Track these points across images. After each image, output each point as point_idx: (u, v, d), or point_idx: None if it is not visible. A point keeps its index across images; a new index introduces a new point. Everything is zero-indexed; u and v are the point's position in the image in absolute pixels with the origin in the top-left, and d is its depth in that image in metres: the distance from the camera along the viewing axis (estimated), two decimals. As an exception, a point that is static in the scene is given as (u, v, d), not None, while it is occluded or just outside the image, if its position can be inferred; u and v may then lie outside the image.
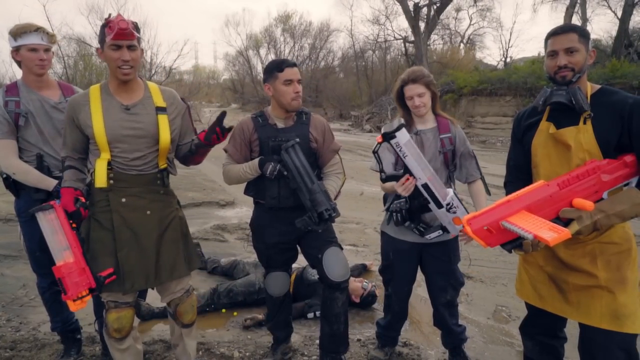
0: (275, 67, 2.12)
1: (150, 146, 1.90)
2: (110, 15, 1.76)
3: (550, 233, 1.29)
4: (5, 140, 2.09)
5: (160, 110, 1.93)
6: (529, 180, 1.79)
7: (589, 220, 1.43)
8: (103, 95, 1.87)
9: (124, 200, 1.88)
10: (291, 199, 2.11)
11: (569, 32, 1.59)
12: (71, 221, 1.78)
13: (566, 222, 1.45)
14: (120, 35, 1.72)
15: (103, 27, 1.77)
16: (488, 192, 2.24)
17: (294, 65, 2.14)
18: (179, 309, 2.08)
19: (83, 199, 1.84)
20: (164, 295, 2.08)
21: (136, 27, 1.82)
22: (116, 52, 1.76)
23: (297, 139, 2.05)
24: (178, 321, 2.11)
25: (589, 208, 1.43)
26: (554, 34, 1.63)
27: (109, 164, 1.86)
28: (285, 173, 2.03)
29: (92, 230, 1.87)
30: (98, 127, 1.81)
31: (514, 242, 1.44)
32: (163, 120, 1.92)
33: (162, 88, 2.03)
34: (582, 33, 1.60)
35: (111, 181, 1.87)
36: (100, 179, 1.84)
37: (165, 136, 1.91)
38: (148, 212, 1.92)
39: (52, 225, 1.73)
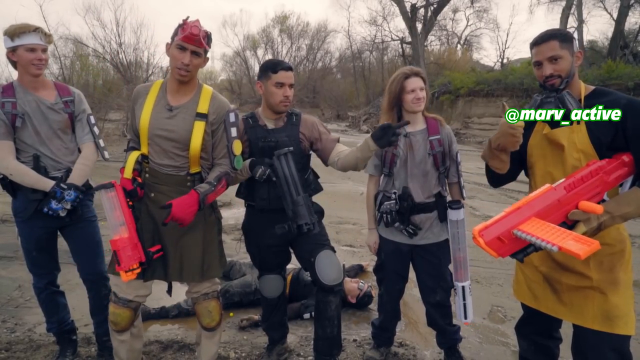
0: (270, 67, 2.11)
1: (180, 150, 1.93)
2: (188, 17, 1.80)
3: (577, 245, 1.23)
4: (2, 142, 2.08)
5: (199, 116, 1.92)
6: (514, 173, 1.83)
7: (595, 222, 1.43)
8: (160, 91, 1.94)
9: (152, 195, 1.95)
10: (281, 200, 2.10)
11: (549, 40, 1.59)
12: (128, 199, 1.88)
13: (571, 224, 1.44)
14: (188, 39, 1.79)
15: (179, 25, 1.82)
16: (462, 196, 2.25)
17: (289, 69, 2.13)
18: (196, 307, 2.12)
19: (140, 179, 1.92)
20: (187, 291, 2.14)
21: (208, 38, 1.85)
22: (180, 53, 1.82)
23: (291, 148, 2.05)
24: (199, 320, 2.14)
25: (599, 211, 1.39)
26: (535, 44, 1.63)
27: (145, 157, 1.95)
28: (274, 179, 2.04)
29: None
30: (143, 121, 1.91)
31: (525, 251, 1.38)
32: (198, 126, 1.91)
33: (216, 96, 2.01)
34: (563, 38, 1.59)
35: (147, 175, 1.95)
36: (127, 171, 1.92)
37: (196, 143, 1.91)
38: None
39: (112, 202, 1.82)
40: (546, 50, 1.59)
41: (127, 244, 1.78)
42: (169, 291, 2.13)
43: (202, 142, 1.92)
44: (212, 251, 2.05)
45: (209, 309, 2.10)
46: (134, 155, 1.94)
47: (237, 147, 1.94)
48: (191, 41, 1.79)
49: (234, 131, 1.94)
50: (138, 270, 1.80)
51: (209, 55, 1.97)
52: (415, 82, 2.13)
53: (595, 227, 1.43)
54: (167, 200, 1.89)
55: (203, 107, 1.93)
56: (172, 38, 1.86)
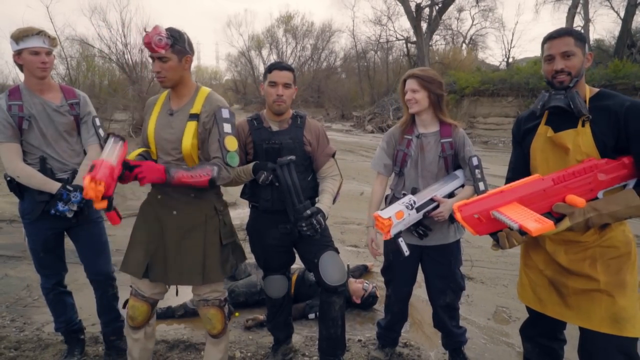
0: (268, 68, 2.19)
1: (177, 152, 1.94)
2: (145, 28, 1.82)
3: (534, 224, 1.31)
4: (9, 144, 2.11)
5: (192, 117, 1.92)
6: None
7: (581, 217, 1.44)
8: (166, 99, 2.01)
9: (159, 197, 2.00)
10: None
11: (564, 36, 1.60)
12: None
13: (559, 218, 1.46)
14: (148, 49, 1.83)
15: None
16: None
17: (284, 68, 2.15)
18: (198, 311, 2.11)
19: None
20: (192, 291, 2.09)
21: (164, 40, 1.78)
22: (153, 64, 1.87)
23: (293, 157, 2.08)
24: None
25: (580, 205, 1.44)
26: (549, 38, 1.63)
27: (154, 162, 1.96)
28: (277, 184, 2.08)
29: (137, 219, 2.07)
30: (150, 128, 1.98)
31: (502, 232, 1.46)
32: (190, 126, 1.90)
33: (211, 95, 1.98)
34: (578, 37, 1.60)
35: None
36: (132, 154, 1.96)
37: (186, 142, 1.89)
38: (174, 212, 1.97)
39: (113, 149, 1.73)
40: (560, 45, 1.59)
41: (108, 168, 1.63)
42: (176, 292, 2.13)
43: (194, 142, 1.89)
44: (214, 255, 1.98)
45: (208, 316, 2.05)
46: (139, 150, 2.02)
47: (231, 143, 1.89)
48: (151, 50, 1.82)
49: (227, 127, 1.89)
50: (104, 204, 1.64)
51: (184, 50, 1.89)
52: (408, 84, 2.18)
53: (582, 223, 1.45)
54: (172, 202, 1.96)
55: (196, 108, 1.94)
56: None
